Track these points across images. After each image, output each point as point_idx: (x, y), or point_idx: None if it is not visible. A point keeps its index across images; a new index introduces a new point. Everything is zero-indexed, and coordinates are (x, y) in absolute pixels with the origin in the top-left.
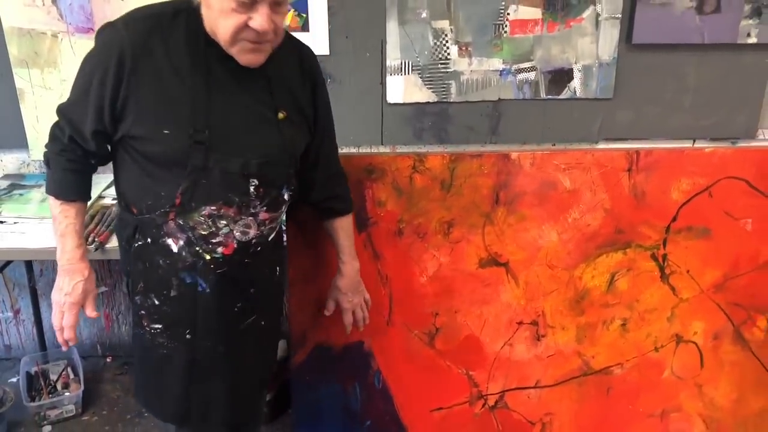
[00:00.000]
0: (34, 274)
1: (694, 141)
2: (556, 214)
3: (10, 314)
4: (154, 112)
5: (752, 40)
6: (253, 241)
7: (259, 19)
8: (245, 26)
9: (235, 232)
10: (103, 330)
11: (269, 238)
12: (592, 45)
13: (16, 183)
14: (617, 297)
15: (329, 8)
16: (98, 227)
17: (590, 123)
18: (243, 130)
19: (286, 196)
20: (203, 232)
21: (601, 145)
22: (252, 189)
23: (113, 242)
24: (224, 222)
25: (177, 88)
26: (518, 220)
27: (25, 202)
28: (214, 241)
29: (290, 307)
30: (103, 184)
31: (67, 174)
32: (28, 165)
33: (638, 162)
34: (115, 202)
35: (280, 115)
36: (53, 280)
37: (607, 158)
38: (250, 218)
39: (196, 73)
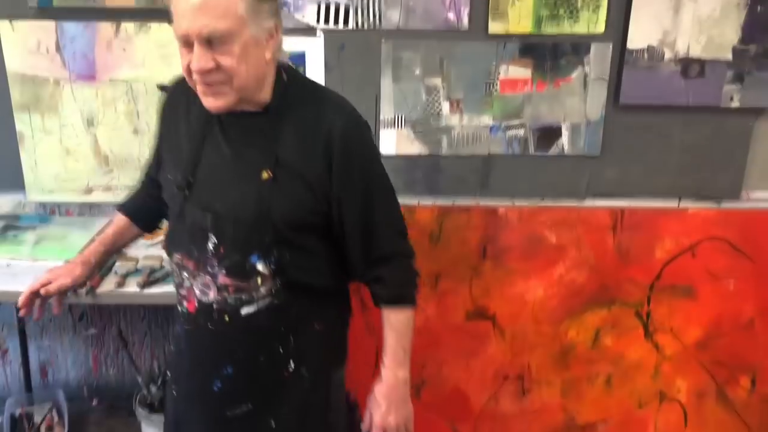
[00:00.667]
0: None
1: (680, 199)
2: (542, 269)
3: None
4: (165, 158)
5: (735, 104)
6: (215, 306)
7: (194, 59)
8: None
9: (194, 288)
10: (91, 372)
11: (241, 312)
12: (580, 104)
13: (11, 224)
14: (602, 353)
15: (326, 64)
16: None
17: (578, 179)
18: (221, 184)
19: (259, 266)
20: (176, 280)
21: (588, 202)
22: (210, 246)
23: (104, 287)
24: (186, 274)
25: (185, 135)
26: (505, 273)
27: (18, 243)
28: (181, 292)
29: None
30: (97, 227)
31: (132, 192)
32: (24, 206)
33: (623, 221)
34: None
35: (264, 175)
36: (43, 322)
37: (593, 216)
38: (208, 278)
39: (203, 122)
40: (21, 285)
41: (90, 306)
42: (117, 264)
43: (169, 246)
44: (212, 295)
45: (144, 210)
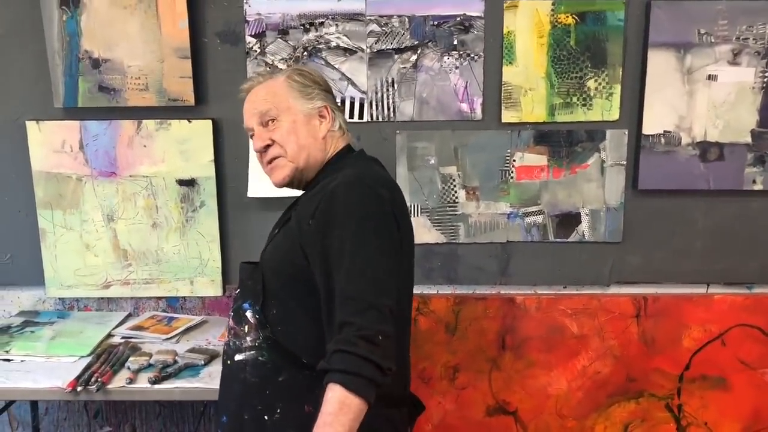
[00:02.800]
0: (38, 412)
1: (708, 286)
2: (565, 360)
3: None
4: None
5: (758, 186)
6: (224, 347)
7: (254, 140)
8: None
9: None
10: None
11: (235, 357)
12: (598, 190)
13: (30, 320)
14: None
15: None
16: (103, 366)
17: (600, 266)
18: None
19: (248, 314)
20: None
21: (613, 289)
22: (237, 290)
23: (115, 382)
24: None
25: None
26: (526, 366)
27: (35, 339)
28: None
29: None
30: (114, 322)
31: None
32: (43, 302)
33: (646, 308)
34: (123, 341)
35: (275, 231)
36: (57, 420)
37: (614, 304)
38: (228, 319)
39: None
40: (34, 382)
41: (105, 402)
42: (130, 359)
43: None
44: (226, 335)
45: None
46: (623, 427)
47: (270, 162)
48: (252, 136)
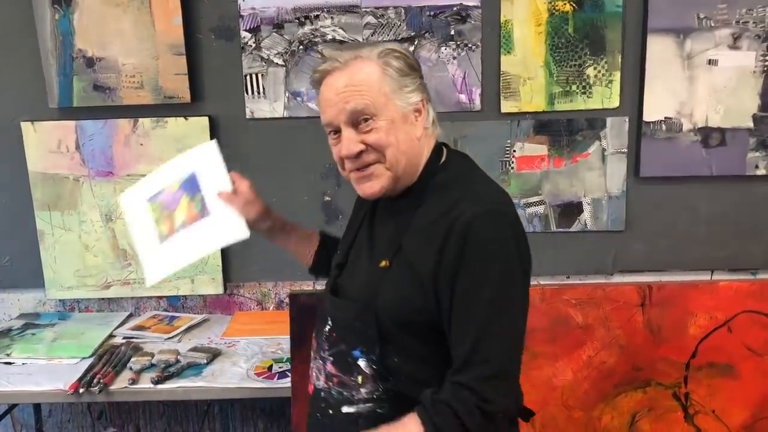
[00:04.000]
0: (42, 415)
1: (713, 272)
2: (570, 350)
3: None
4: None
5: (761, 171)
6: (322, 394)
7: (343, 143)
8: (342, 157)
9: (313, 369)
10: None
11: (342, 409)
12: (600, 179)
13: (31, 322)
14: None
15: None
16: (105, 368)
17: (603, 255)
18: (354, 268)
19: (361, 363)
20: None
21: (617, 278)
22: (326, 329)
23: (118, 383)
24: (312, 354)
25: (354, 221)
26: (531, 357)
27: (36, 342)
28: (309, 371)
29: None
30: (115, 323)
31: None
32: (44, 304)
33: (651, 296)
34: (124, 341)
35: (382, 263)
36: (61, 422)
37: (619, 293)
38: (320, 362)
39: (365, 208)
40: (36, 385)
41: (108, 403)
42: (132, 360)
43: (315, 325)
44: (322, 381)
45: (332, 246)
46: (630, 417)
47: (361, 169)
48: (331, 133)
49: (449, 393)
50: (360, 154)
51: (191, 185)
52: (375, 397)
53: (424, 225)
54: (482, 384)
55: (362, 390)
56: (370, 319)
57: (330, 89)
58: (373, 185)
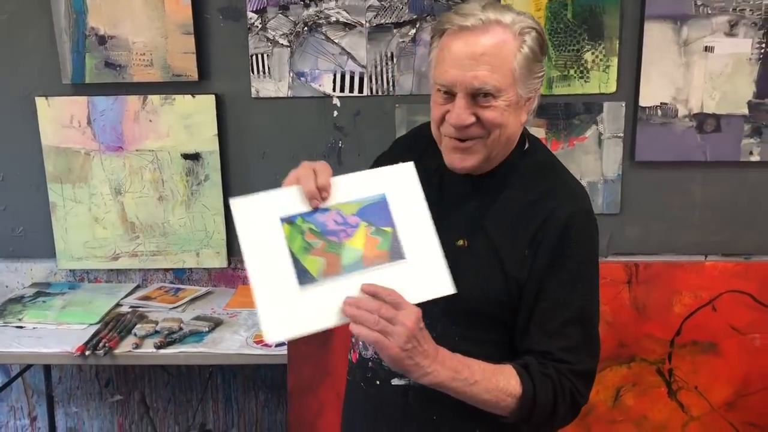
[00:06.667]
0: (52, 381)
1: (706, 257)
2: None
3: (27, 422)
4: None
5: (755, 158)
6: (370, 364)
7: (455, 111)
8: (444, 119)
9: (360, 339)
10: None
11: (392, 381)
12: (596, 162)
13: (42, 291)
14: (624, 413)
15: (342, 129)
16: (110, 333)
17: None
18: None
19: None
20: None
21: (610, 259)
22: None
23: (122, 347)
24: None
25: None
26: None
27: (47, 308)
28: (352, 339)
29: (289, 417)
30: (122, 293)
31: None
32: (55, 274)
33: (638, 275)
34: (130, 310)
35: (459, 242)
36: (70, 388)
37: (607, 270)
38: None
39: (426, 177)
40: (45, 347)
41: (116, 371)
42: (137, 326)
43: None
44: (371, 351)
45: None
46: (615, 391)
47: (462, 140)
48: (444, 94)
49: (554, 373)
50: (469, 125)
51: (378, 213)
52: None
53: (511, 211)
54: (577, 377)
55: None
56: (439, 298)
57: (463, 49)
58: (467, 159)
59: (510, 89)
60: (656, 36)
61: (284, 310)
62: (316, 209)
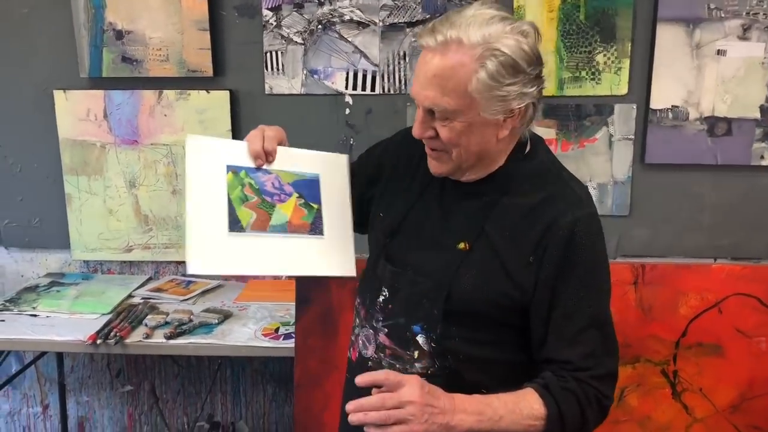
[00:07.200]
0: (64, 369)
1: (715, 260)
2: None
3: (39, 409)
4: (382, 193)
5: (766, 162)
6: (369, 363)
7: (415, 123)
8: None
9: (360, 337)
10: (126, 430)
11: None
12: (606, 164)
13: (56, 281)
14: (627, 413)
15: (353, 126)
16: (122, 323)
17: (607, 240)
18: (417, 243)
19: (419, 339)
20: (353, 323)
21: (617, 260)
22: (380, 299)
23: (133, 337)
24: (357, 321)
25: (407, 183)
26: None
27: (60, 298)
28: (351, 338)
29: (296, 410)
30: (135, 284)
31: None
32: (69, 264)
33: (644, 275)
34: (142, 301)
35: (460, 246)
36: (82, 377)
37: (613, 270)
38: (371, 331)
39: (427, 177)
40: (58, 335)
41: (127, 362)
42: (148, 317)
43: (358, 286)
44: (370, 350)
45: None
46: (619, 392)
47: (431, 150)
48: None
49: (575, 385)
50: (428, 138)
51: (309, 189)
52: (429, 372)
53: (512, 216)
54: (599, 381)
55: (417, 365)
56: (439, 299)
57: (422, 66)
58: (439, 166)
59: (468, 111)
60: (668, 38)
61: (210, 249)
62: (259, 168)
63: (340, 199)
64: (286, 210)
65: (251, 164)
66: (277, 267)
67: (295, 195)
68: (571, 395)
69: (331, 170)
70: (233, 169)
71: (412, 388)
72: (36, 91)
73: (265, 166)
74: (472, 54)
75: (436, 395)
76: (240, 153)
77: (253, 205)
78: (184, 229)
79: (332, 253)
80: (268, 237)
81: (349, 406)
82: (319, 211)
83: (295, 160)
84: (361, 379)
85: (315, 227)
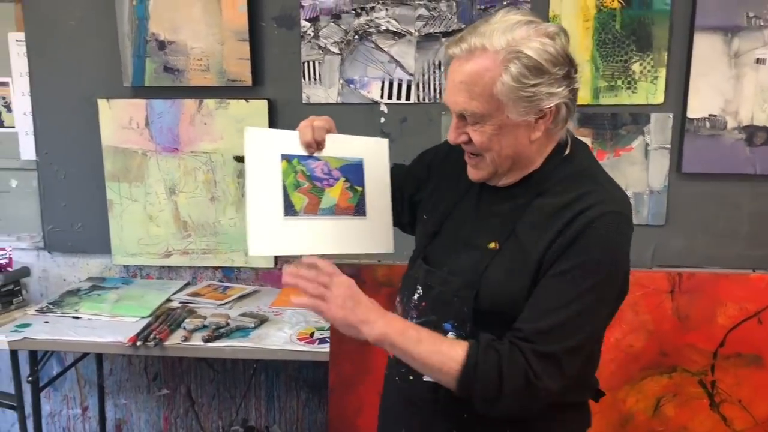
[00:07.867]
0: (103, 371)
1: (754, 270)
2: None
3: (79, 411)
4: (428, 196)
5: None
6: None
7: (449, 129)
8: None
9: None
10: None
11: (424, 377)
12: (642, 173)
13: (97, 285)
14: (664, 423)
15: (388, 135)
16: (161, 326)
17: (643, 249)
18: (454, 243)
19: (450, 336)
20: None
21: (655, 269)
22: (415, 297)
23: (171, 340)
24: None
25: (452, 186)
26: None
27: (101, 301)
28: None
29: (330, 414)
30: (173, 289)
31: None
32: (110, 269)
33: (681, 284)
34: (180, 305)
35: (491, 245)
36: (120, 380)
37: (649, 279)
38: None
39: (469, 181)
40: (99, 337)
41: (164, 366)
42: (186, 320)
43: (400, 285)
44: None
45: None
46: (655, 401)
47: (469, 156)
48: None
49: (506, 348)
50: (464, 143)
51: (355, 173)
52: None
53: (543, 215)
54: (537, 358)
55: None
56: (469, 297)
57: (451, 75)
58: (477, 172)
59: (497, 113)
60: (706, 47)
61: (268, 232)
62: (310, 156)
63: (380, 181)
64: (334, 194)
65: (303, 152)
66: (326, 247)
67: (342, 179)
68: (494, 353)
69: (373, 154)
70: (287, 158)
71: (344, 279)
72: (80, 99)
73: (315, 153)
74: (496, 58)
75: (365, 297)
76: (292, 142)
77: (305, 190)
78: (245, 214)
79: (374, 232)
80: (318, 219)
81: (288, 268)
82: (362, 193)
83: (340, 146)
84: (307, 260)
85: (359, 209)
